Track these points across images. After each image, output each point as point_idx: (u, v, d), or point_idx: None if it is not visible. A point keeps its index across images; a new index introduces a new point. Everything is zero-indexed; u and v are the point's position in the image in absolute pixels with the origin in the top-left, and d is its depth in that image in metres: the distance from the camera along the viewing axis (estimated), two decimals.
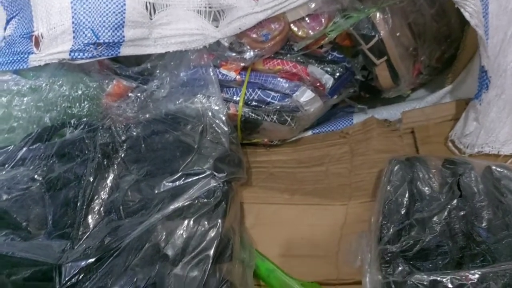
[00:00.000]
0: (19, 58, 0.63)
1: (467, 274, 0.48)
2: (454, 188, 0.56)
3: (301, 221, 0.71)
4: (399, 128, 0.77)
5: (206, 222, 0.57)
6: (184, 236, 0.56)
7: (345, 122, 0.81)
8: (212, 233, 0.56)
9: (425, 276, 0.49)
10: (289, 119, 0.71)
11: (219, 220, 0.57)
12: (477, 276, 0.48)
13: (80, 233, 0.56)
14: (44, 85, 0.64)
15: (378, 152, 0.75)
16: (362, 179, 0.73)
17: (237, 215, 0.65)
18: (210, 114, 0.65)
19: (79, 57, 0.61)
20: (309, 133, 0.81)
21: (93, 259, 0.53)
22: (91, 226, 0.57)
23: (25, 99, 0.63)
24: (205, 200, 0.59)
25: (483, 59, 0.61)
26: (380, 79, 0.75)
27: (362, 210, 0.70)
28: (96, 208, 0.58)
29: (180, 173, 0.60)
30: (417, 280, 0.49)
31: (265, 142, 0.78)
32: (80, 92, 0.65)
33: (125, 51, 0.62)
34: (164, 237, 0.55)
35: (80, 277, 0.53)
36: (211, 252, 0.55)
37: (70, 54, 0.61)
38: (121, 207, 0.58)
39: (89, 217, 0.57)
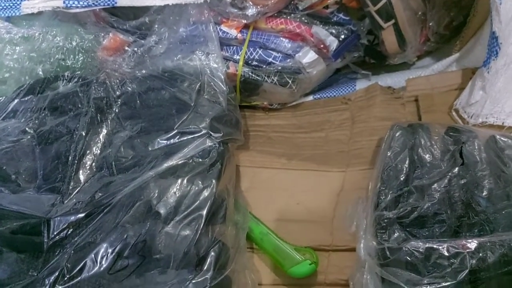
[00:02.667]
0: (11, 4, 0.60)
1: (464, 242, 0.47)
2: (456, 156, 0.54)
3: (297, 187, 0.69)
4: (403, 95, 0.75)
5: (200, 182, 0.56)
6: (177, 194, 0.54)
7: (348, 88, 0.79)
8: (205, 193, 0.55)
9: (421, 243, 0.48)
10: (290, 81, 0.68)
11: (214, 181, 0.56)
12: (474, 245, 0.47)
13: (70, 187, 0.55)
14: (37, 34, 0.61)
15: (380, 120, 0.73)
16: (361, 146, 0.72)
17: (232, 177, 0.63)
18: (208, 72, 0.63)
19: (73, 5, 0.59)
20: (310, 98, 0.79)
21: (83, 214, 0.52)
22: (82, 181, 0.55)
23: (17, 48, 0.61)
24: (200, 160, 0.57)
25: (495, 24, 0.59)
26: (386, 43, 0.72)
27: (360, 178, 0.69)
28: (88, 163, 0.57)
29: (175, 131, 0.58)
30: (413, 247, 0.48)
31: (264, 106, 0.77)
32: (74, 43, 0.62)
33: (122, 1, 0.60)
34: (156, 194, 0.54)
35: (69, 231, 0.52)
36: (204, 212, 0.54)
37: (64, 2, 0.59)
38: (113, 163, 0.56)
39: (80, 172, 0.56)
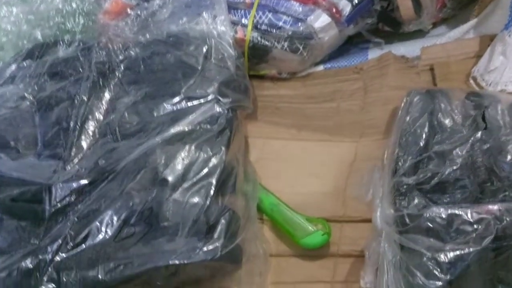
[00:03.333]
0: None
1: (489, 207, 0.45)
2: (478, 120, 0.51)
3: (308, 157, 0.67)
4: (417, 64, 0.72)
5: (208, 149, 0.53)
6: (185, 161, 0.52)
7: (360, 57, 0.76)
8: (215, 160, 0.52)
9: (443, 209, 0.46)
10: (301, 47, 0.65)
11: (223, 148, 0.54)
12: (499, 209, 0.44)
13: (72, 154, 0.52)
14: None
15: (393, 89, 0.70)
16: (374, 117, 0.69)
17: (242, 146, 0.61)
18: (215, 35, 0.60)
19: None
20: (321, 67, 0.76)
21: (86, 181, 0.50)
22: (84, 148, 0.53)
23: (14, 10, 0.58)
24: (208, 126, 0.55)
25: None
26: (401, 9, 0.69)
27: (374, 148, 0.66)
28: (90, 129, 0.54)
29: (181, 96, 0.55)
30: (434, 213, 0.46)
31: (273, 75, 0.74)
32: (74, 6, 0.59)
33: None
34: (163, 161, 0.52)
35: (72, 199, 0.50)
36: (214, 179, 0.51)
37: None
38: (117, 129, 0.54)
39: (83, 138, 0.54)
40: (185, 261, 0.47)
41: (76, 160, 0.52)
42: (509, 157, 0.49)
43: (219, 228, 0.49)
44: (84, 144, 0.53)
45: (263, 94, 0.74)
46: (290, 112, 0.72)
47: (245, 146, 0.67)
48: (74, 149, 0.53)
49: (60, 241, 0.47)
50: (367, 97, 0.71)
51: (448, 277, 0.42)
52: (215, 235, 0.49)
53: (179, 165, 0.52)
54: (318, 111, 0.72)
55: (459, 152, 0.49)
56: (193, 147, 0.53)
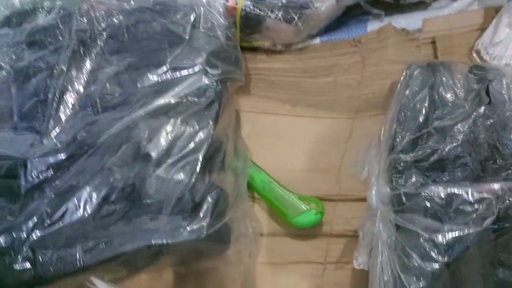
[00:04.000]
0: None
1: (490, 186, 0.42)
2: (481, 94, 0.48)
3: (302, 134, 0.64)
4: (418, 37, 0.69)
5: (195, 123, 0.50)
6: (170, 136, 0.49)
7: (358, 30, 0.73)
8: (202, 135, 0.49)
9: (442, 188, 0.43)
10: (296, 17, 0.62)
11: (210, 122, 0.51)
12: (501, 188, 0.42)
13: (50, 127, 0.49)
14: None
15: (392, 63, 0.67)
16: (372, 91, 0.66)
17: (232, 121, 0.58)
18: (205, 2, 0.56)
19: None
20: (317, 40, 0.72)
21: (64, 155, 0.47)
22: (63, 120, 0.50)
23: None
24: (195, 99, 0.52)
25: None
26: None
27: (370, 124, 0.63)
28: (70, 101, 0.51)
29: (167, 66, 0.52)
30: (432, 192, 0.43)
31: (267, 47, 0.70)
32: None
33: None
34: (146, 135, 0.49)
35: (49, 174, 0.47)
36: (200, 155, 0.48)
37: None
38: (98, 101, 0.51)
39: (61, 110, 0.50)
40: (169, 241, 0.45)
41: (54, 134, 0.49)
42: None
43: (205, 206, 0.47)
44: (63, 117, 0.50)
45: (257, 67, 0.71)
46: (284, 87, 0.69)
47: (236, 121, 0.64)
48: (52, 122, 0.50)
49: (36, 218, 0.45)
50: (365, 71, 0.68)
51: (446, 259, 0.40)
52: (201, 214, 0.46)
53: (163, 139, 0.49)
54: (314, 86, 0.69)
55: (461, 128, 0.46)
56: (178, 121, 0.50)
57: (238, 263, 0.52)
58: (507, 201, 0.42)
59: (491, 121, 0.46)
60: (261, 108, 0.67)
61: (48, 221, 0.45)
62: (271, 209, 0.58)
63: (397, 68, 0.62)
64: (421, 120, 0.48)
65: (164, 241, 0.45)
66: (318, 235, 0.57)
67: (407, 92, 0.50)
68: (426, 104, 0.49)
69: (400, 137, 0.48)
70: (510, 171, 0.44)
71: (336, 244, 0.56)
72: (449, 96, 0.49)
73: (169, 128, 0.49)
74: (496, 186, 0.42)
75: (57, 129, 0.49)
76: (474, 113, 0.47)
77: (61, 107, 0.51)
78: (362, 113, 0.65)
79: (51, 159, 0.47)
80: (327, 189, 0.59)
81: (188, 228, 0.45)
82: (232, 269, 0.51)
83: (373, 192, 0.49)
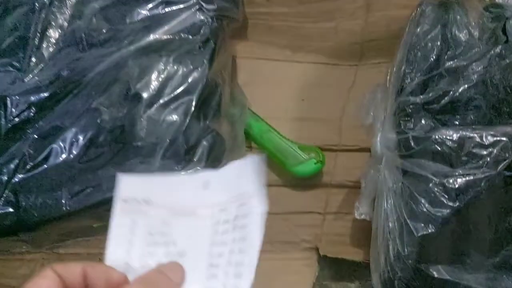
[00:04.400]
0: None
1: (505, 128, 0.39)
2: (498, 33, 0.45)
3: (303, 81, 0.61)
4: None
5: (189, 62, 0.47)
6: (162, 75, 0.46)
7: None
8: (196, 75, 0.46)
9: (453, 131, 0.40)
10: None
11: (205, 61, 0.47)
12: None
13: (32, 64, 0.46)
14: None
15: (400, 8, 0.63)
16: (377, 38, 0.62)
17: (228, 64, 0.54)
18: None
19: None
20: None
21: (46, 93, 0.44)
22: (46, 57, 0.46)
23: None
24: (189, 37, 0.48)
25: None
26: None
27: (375, 72, 0.60)
28: (53, 36, 0.47)
29: (158, 0, 0.48)
30: (444, 135, 0.40)
31: None
32: None
33: None
34: (136, 74, 0.45)
35: (31, 114, 0.44)
36: (194, 96, 0.45)
37: None
38: (83, 37, 0.47)
39: (44, 46, 0.47)
40: None
41: (36, 71, 0.45)
42: None
43: (200, 150, 0.44)
44: (46, 53, 0.46)
45: (255, 11, 0.66)
46: (284, 32, 0.65)
47: (233, 67, 0.60)
48: (34, 59, 0.46)
49: (17, 160, 0.42)
50: (370, 16, 0.64)
51: (457, 204, 0.38)
52: (195, 158, 0.44)
53: (154, 79, 0.45)
54: (315, 31, 0.65)
55: (475, 69, 0.43)
56: (171, 60, 0.46)
57: None
58: None
59: (507, 61, 0.43)
60: (259, 54, 0.63)
61: (31, 164, 0.42)
62: (270, 159, 0.55)
63: (405, 13, 0.58)
64: (432, 60, 0.44)
65: None
66: (318, 186, 0.55)
67: (418, 30, 0.46)
68: (438, 44, 0.45)
69: (409, 78, 0.44)
70: None
71: (336, 195, 0.54)
72: (463, 35, 0.46)
73: (160, 67, 0.46)
74: (510, 129, 0.40)
75: (40, 66, 0.46)
76: (490, 53, 0.44)
77: (44, 43, 0.47)
78: (365, 61, 0.61)
79: (33, 98, 0.44)
80: (328, 139, 0.57)
81: (181, 173, 0.43)
82: None
83: (378, 138, 0.46)
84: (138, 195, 0.35)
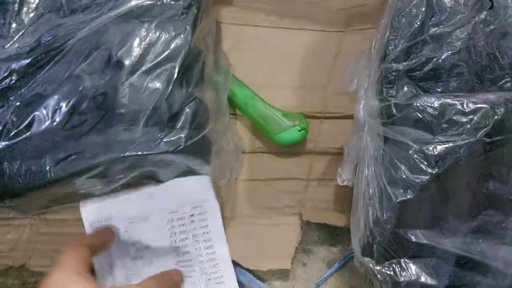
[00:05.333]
0: None
1: (486, 96, 0.40)
2: None
3: (288, 48, 0.60)
4: None
5: (171, 28, 0.46)
6: (144, 42, 0.45)
7: None
8: (179, 41, 0.45)
9: (435, 99, 0.41)
10: None
11: (188, 28, 0.46)
12: (498, 98, 0.39)
13: (12, 30, 0.45)
14: None
15: None
16: (364, 3, 0.62)
17: (212, 30, 0.53)
18: None
19: None
20: None
21: (27, 60, 0.43)
22: (26, 23, 0.45)
23: None
24: (171, 2, 0.47)
25: None
26: None
27: (361, 39, 0.60)
28: (33, 2, 0.46)
29: None
30: (425, 102, 0.41)
31: None
32: None
33: None
34: (118, 41, 0.45)
35: (12, 81, 0.43)
36: (177, 62, 0.45)
37: None
38: (64, 2, 0.46)
39: (24, 12, 0.45)
40: (144, 152, 0.42)
41: (15, 37, 0.44)
42: None
43: (183, 117, 0.44)
44: (26, 19, 0.45)
45: None
46: None
47: (217, 33, 0.59)
48: (13, 25, 0.45)
49: (0, 128, 0.42)
50: None
51: (436, 171, 0.38)
52: (178, 125, 0.44)
53: (136, 45, 0.45)
54: None
55: (459, 35, 0.43)
56: (153, 26, 0.45)
57: (219, 178, 0.50)
58: (503, 112, 0.39)
59: (492, 27, 0.43)
60: (244, 19, 0.62)
61: (14, 131, 0.42)
62: (254, 126, 0.56)
63: None
64: (416, 26, 0.44)
65: (140, 153, 0.42)
66: (302, 153, 0.55)
67: None
68: (423, 10, 0.45)
69: (393, 45, 0.44)
70: (507, 82, 0.42)
71: (320, 162, 0.55)
72: (447, 0, 0.45)
73: (142, 33, 0.45)
74: (492, 96, 0.40)
75: (20, 33, 0.45)
76: (474, 19, 0.43)
77: (24, 8, 0.46)
78: (352, 27, 0.61)
79: (14, 65, 0.43)
80: (313, 106, 0.57)
81: (165, 140, 0.43)
82: (213, 184, 0.49)
83: (361, 105, 0.46)
84: (100, 216, 0.48)
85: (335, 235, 0.52)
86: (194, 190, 0.48)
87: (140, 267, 0.49)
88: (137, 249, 0.49)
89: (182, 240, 0.49)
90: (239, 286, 0.49)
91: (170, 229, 0.49)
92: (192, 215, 0.49)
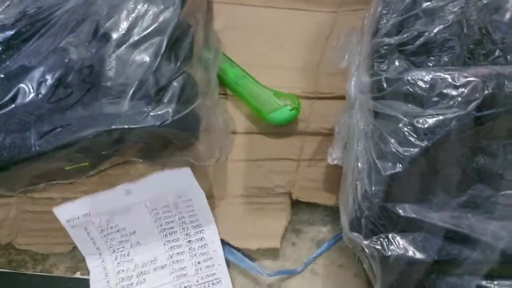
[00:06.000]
0: None
1: (477, 70, 0.39)
2: None
3: (280, 28, 0.60)
4: None
5: (160, 1, 0.45)
6: (132, 14, 0.44)
7: None
8: (167, 14, 0.45)
9: (425, 72, 0.40)
10: None
11: (177, 1, 0.46)
12: (489, 72, 0.39)
13: None
14: None
15: None
16: None
17: (202, 5, 0.53)
18: None
19: None
20: None
21: (12, 31, 0.43)
22: None
23: None
24: None
25: None
26: None
27: (353, 19, 0.59)
28: None
29: None
30: (416, 76, 0.40)
31: None
32: None
33: None
34: (105, 13, 0.44)
35: None
36: (166, 36, 0.44)
37: None
38: None
39: None
40: (131, 126, 0.42)
41: (0, 9, 0.44)
42: (507, 16, 0.42)
43: (170, 91, 0.43)
44: None
45: None
46: None
47: (209, 12, 0.59)
48: None
49: None
50: None
51: (425, 143, 0.38)
52: (166, 99, 0.43)
53: (124, 18, 0.44)
54: None
55: (451, 9, 0.42)
56: None
57: (208, 156, 0.49)
58: (494, 86, 0.39)
59: (484, 1, 0.42)
60: None
61: None
62: (245, 106, 0.55)
63: None
64: (408, 1, 0.43)
65: (126, 126, 0.42)
66: (293, 133, 0.54)
67: None
68: None
69: (385, 19, 0.44)
70: (498, 57, 0.41)
71: (311, 142, 0.54)
72: None
73: (130, 5, 0.44)
74: (483, 70, 0.39)
75: (4, 4, 0.44)
76: None
77: None
78: (345, 7, 0.60)
79: None
80: (305, 86, 0.56)
81: (151, 113, 0.42)
82: (202, 163, 0.49)
83: (352, 82, 0.46)
84: (77, 213, 0.47)
85: (325, 215, 0.51)
86: (175, 183, 0.47)
87: (128, 248, 0.49)
88: (122, 235, 0.48)
89: (168, 223, 0.49)
90: (228, 265, 0.49)
91: (154, 215, 0.49)
92: (176, 202, 0.48)
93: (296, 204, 0.52)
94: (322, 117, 0.55)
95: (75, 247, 0.50)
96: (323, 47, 0.58)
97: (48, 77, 0.42)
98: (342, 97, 0.52)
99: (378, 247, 0.38)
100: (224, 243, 0.50)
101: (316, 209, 0.52)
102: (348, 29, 0.48)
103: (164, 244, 0.49)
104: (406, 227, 0.38)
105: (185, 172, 0.46)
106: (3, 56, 0.42)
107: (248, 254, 0.50)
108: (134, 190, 0.47)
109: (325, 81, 0.57)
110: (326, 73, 0.57)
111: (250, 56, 0.58)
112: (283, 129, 0.54)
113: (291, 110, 0.53)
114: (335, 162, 0.47)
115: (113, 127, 0.41)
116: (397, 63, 0.42)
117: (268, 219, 0.51)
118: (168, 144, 0.46)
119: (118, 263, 0.48)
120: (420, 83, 0.40)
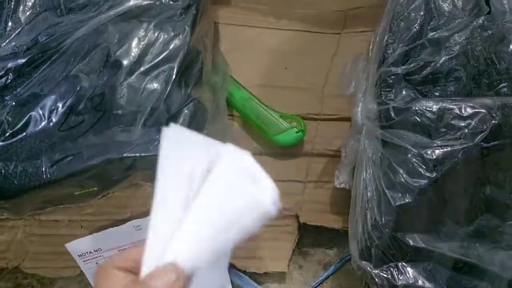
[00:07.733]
0: None
1: (484, 100, 0.40)
2: (480, 4, 0.45)
3: (286, 49, 0.60)
4: None
5: (170, 29, 0.45)
6: (142, 42, 0.45)
7: None
8: (177, 42, 0.45)
9: (433, 103, 0.41)
10: None
11: (187, 28, 0.46)
12: (495, 103, 0.40)
13: (8, 29, 0.44)
14: None
15: None
16: (361, 5, 0.62)
17: (210, 31, 0.53)
18: None
19: None
20: None
21: (24, 59, 0.43)
22: (23, 22, 0.44)
23: None
24: (170, 2, 0.46)
25: None
26: None
27: (358, 41, 0.60)
28: (30, 0, 0.45)
29: None
30: (423, 106, 0.41)
31: None
32: None
33: None
34: (116, 40, 0.44)
35: (9, 80, 0.43)
36: (176, 63, 0.44)
37: None
38: (61, 1, 0.45)
39: (20, 10, 0.45)
40: (142, 154, 0.42)
41: (12, 35, 0.44)
42: (511, 47, 0.43)
43: (181, 118, 0.44)
44: (22, 18, 0.45)
45: None
46: None
47: (215, 34, 0.59)
48: (10, 23, 0.44)
49: None
50: None
51: (434, 175, 0.38)
52: None
53: (135, 45, 0.44)
54: None
55: (457, 39, 0.43)
56: (151, 26, 0.45)
57: None
58: (500, 117, 0.40)
59: (489, 32, 0.43)
60: (242, 20, 0.62)
61: (10, 131, 0.41)
62: (252, 127, 0.56)
63: None
64: (415, 30, 0.44)
65: (138, 154, 0.42)
66: (299, 154, 0.55)
67: (401, 0, 0.46)
68: (421, 14, 0.45)
69: (391, 48, 0.44)
70: (503, 87, 0.42)
71: (317, 164, 0.55)
72: (446, 5, 0.45)
73: (141, 33, 0.45)
74: (489, 101, 0.40)
75: (16, 31, 0.44)
76: (472, 24, 0.44)
77: (20, 6, 0.45)
78: (349, 29, 0.61)
79: (10, 64, 0.42)
80: (310, 108, 0.57)
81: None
82: None
83: (359, 108, 0.46)
84: (89, 247, 0.48)
85: (331, 237, 0.52)
86: None
87: None
88: None
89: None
90: None
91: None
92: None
93: (302, 226, 0.52)
94: (327, 138, 0.56)
95: (82, 271, 0.50)
96: (328, 68, 0.59)
97: (60, 104, 0.42)
98: (347, 119, 0.53)
99: (388, 276, 0.38)
100: (230, 265, 0.50)
101: (323, 231, 0.52)
102: (354, 55, 0.49)
103: None
104: (415, 256, 0.39)
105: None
106: (15, 83, 0.43)
107: (255, 277, 0.50)
108: (144, 226, 0.47)
109: (330, 103, 0.57)
110: (331, 94, 0.58)
111: (255, 77, 0.58)
112: (289, 150, 0.55)
113: (297, 132, 0.53)
114: (342, 185, 0.48)
115: (124, 155, 0.42)
116: (404, 92, 0.43)
117: (275, 242, 0.51)
118: None
119: None
120: (428, 114, 0.41)
